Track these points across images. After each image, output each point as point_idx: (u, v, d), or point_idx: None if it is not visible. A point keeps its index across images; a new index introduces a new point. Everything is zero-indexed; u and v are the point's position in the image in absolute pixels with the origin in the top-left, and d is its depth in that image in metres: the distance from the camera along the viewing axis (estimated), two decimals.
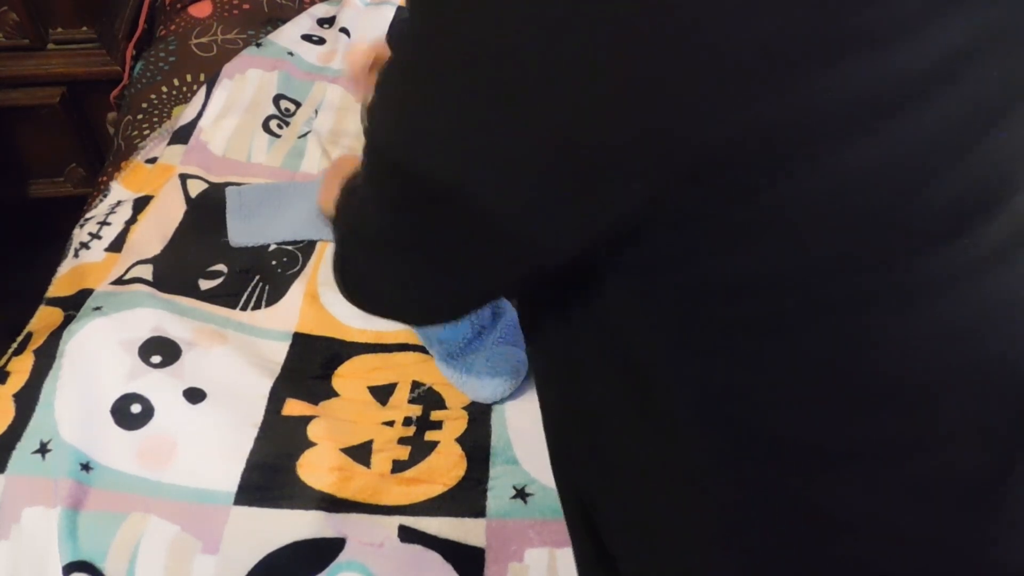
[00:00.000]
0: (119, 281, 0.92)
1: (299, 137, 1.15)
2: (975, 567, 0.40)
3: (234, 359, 0.86)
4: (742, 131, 0.34)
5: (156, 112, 1.22)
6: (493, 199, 0.38)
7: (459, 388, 0.85)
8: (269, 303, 0.94)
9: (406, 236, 0.45)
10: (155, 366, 0.82)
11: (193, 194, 1.04)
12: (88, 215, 1.06)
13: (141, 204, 1.04)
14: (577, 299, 0.46)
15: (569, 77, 0.34)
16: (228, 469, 0.77)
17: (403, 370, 0.88)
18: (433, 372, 0.87)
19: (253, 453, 0.78)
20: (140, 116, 1.22)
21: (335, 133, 1.15)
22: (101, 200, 1.08)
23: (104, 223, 1.03)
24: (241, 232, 1.00)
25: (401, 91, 0.41)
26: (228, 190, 1.03)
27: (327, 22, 1.36)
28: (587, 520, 0.54)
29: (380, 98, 0.44)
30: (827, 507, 0.41)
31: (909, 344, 0.38)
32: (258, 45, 1.26)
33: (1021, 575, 0.40)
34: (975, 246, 0.37)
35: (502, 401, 0.85)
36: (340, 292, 0.55)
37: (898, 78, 0.33)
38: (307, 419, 0.82)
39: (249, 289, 0.95)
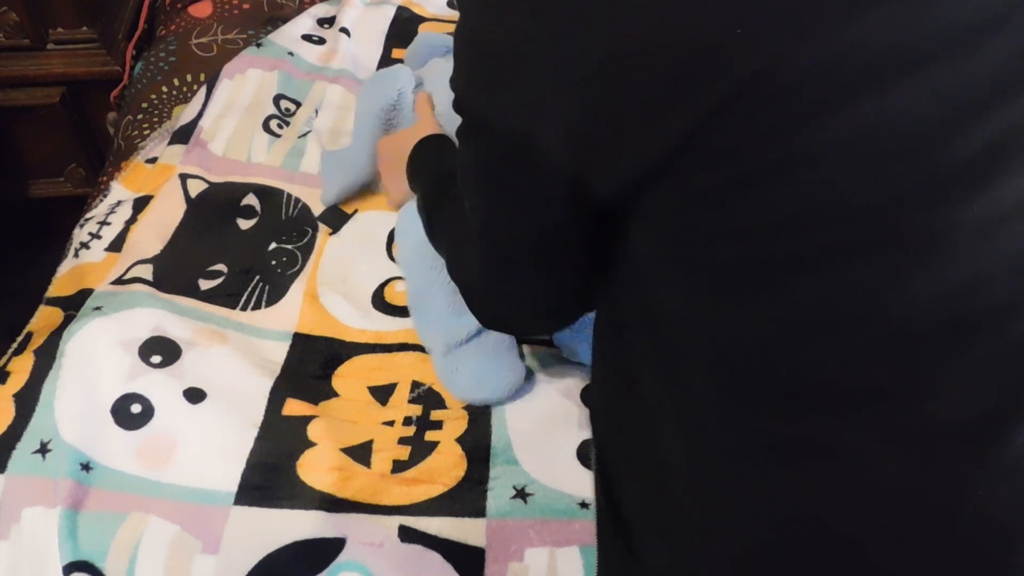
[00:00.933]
0: (119, 281, 0.92)
1: (299, 137, 1.15)
2: (959, 515, 0.40)
3: (234, 359, 0.86)
4: (776, 71, 0.35)
5: (156, 112, 1.22)
6: (553, 147, 0.45)
7: (450, 387, 0.84)
8: (269, 303, 0.94)
9: (488, 189, 0.55)
10: (155, 366, 0.82)
11: (193, 194, 1.04)
12: (88, 215, 1.06)
13: (141, 204, 1.04)
14: (614, 246, 0.50)
15: (616, 32, 0.38)
16: (228, 469, 0.77)
17: (403, 370, 0.88)
18: (433, 372, 0.87)
19: (253, 453, 0.78)
20: (140, 116, 1.22)
21: (335, 132, 1.15)
22: (101, 200, 1.08)
23: (104, 223, 1.02)
24: (327, 193, 1.05)
25: (474, 61, 0.50)
26: (323, 154, 1.09)
27: (327, 22, 1.36)
28: (607, 476, 0.55)
29: (459, 67, 0.52)
30: (830, 450, 0.41)
31: (930, 291, 0.38)
32: (258, 45, 1.26)
33: (1003, 520, 0.40)
34: (1004, 198, 0.37)
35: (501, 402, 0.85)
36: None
37: (944, 27, 0.34)
38: (307, 419, 0.82)
39: (249, 289, 0.95)
